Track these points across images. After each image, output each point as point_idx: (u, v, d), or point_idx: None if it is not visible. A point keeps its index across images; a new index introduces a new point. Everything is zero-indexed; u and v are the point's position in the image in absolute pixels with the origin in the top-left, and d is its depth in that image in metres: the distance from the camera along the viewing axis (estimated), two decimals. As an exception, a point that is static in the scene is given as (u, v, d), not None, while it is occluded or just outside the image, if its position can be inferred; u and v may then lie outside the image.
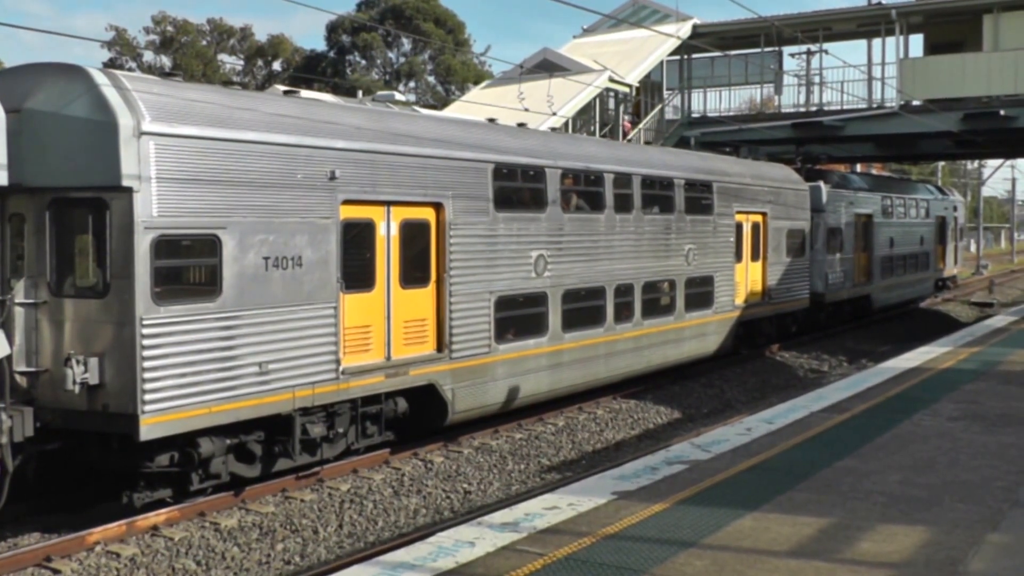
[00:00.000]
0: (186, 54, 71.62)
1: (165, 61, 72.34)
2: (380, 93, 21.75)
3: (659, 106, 38.79)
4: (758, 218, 27.11)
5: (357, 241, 14.95)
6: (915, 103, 34.30)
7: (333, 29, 74.08)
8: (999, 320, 29.81)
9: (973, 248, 79.29)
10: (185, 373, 12.40)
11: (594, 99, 34.44)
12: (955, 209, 47.97)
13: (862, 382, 17.90)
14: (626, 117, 36.68)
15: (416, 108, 20.77)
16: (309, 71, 67.23)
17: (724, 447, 12.64)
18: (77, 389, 11.97)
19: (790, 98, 39.90)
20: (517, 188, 18.39)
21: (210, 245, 12.78)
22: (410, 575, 8.04)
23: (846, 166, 51.40)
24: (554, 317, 18.99)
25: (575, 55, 37.00)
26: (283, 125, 13.76)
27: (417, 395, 16.24)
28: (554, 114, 29.84)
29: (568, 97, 32.38)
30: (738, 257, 25.98)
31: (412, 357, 15.90)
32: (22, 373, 12.45)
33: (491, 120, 19.51)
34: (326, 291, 14.26)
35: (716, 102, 40.09)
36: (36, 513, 13.28)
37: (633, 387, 22.49)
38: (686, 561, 8.35)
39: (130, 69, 60.45)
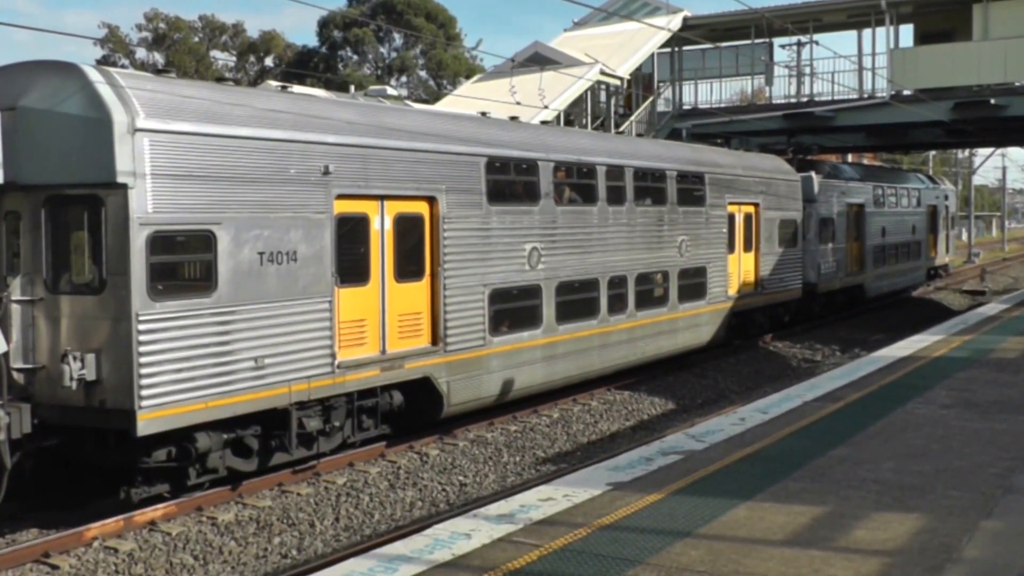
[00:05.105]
0: (178, 51, 71.46)
1: (158, 58, 72.20)
2: (372, 88, 21.76)
3: (650, 98, 38.80)
4: (750, 209, 27.17)
5: (351, 235, 14.98)
6: (906, 93, 34.37)
7: (325, 25, 73.94)
8: (991, 308, 29.89)
9: (965, 236, 79.41)
10: (181, 368, 12.44)
11: (585, 92, 34.46)
12: (946, 198, 48.09)
13: (855, 371, 17.97)
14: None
15: (408, 103, 20.78)
16: (301, 67, 67.02)
17: (718, 437, 12.70)
18: (74, 385, 12.00)
19: (781, 89, 40.06)
20: (510, 181, 18.42)
21: (205, 241, 12.81)
22: (407, 568, 8.06)
23: (837, 156, 51.49)
24: (548, 309, 19.04)
25: (566, 48, 36.98)
26: (276, 121, 13.78)
27: (412, 388, 16.29)
28: (546, 107, 29.86)
29: (560, 90, 32.40)
30: (731, 248, 26.04)
31: (407, 350, 15.95)
32: (19, 370, 12.46)
33: (483, 114, 19.54)
34: (321, 285, 14.29)
35: (707, 94, 40.18)
36: (34, 510, 13.30)
37: (627, 378, 22.56)
38: (681, 551, 8.40)
39: (123, 66, 60.25)
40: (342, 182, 14.60)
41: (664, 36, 36.67)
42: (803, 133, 39.14)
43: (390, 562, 8.22)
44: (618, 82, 36.11)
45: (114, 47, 71.52)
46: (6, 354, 12.06)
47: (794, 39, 39.60)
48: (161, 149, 12.23)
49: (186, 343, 12.50)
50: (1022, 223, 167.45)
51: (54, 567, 11.62)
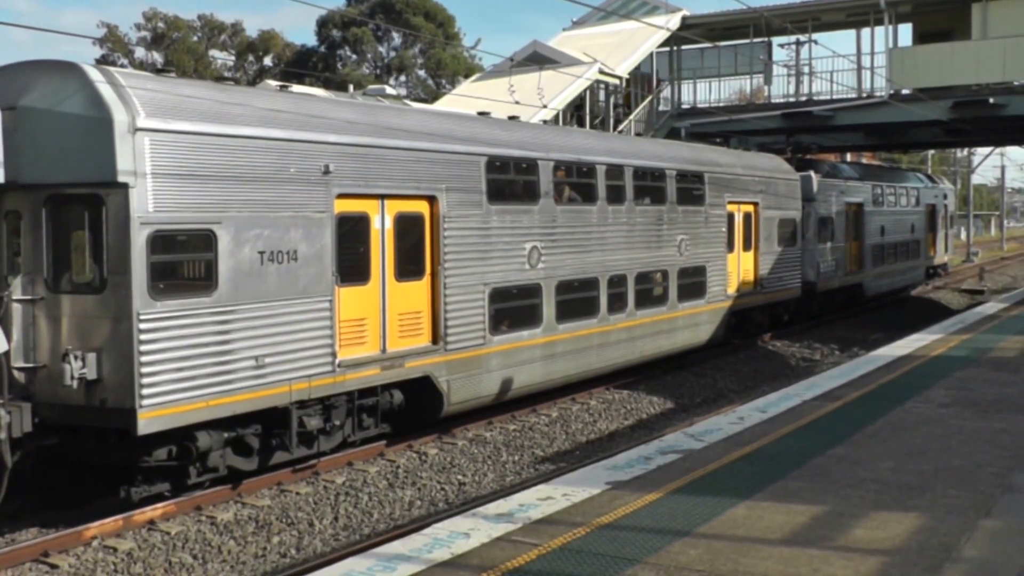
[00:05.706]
0: (177, 50, 71.45)
1: (157, 57, 72.20)
2: (371, 87, 21.79)
3: (649, 98, 38.82)
4: (749, 208, 27.18)
5: (352, 235, 14.99)
6: (904, 92, 34.39)
7: (323, 24, 74.00)
8: (990, 307, 29.90)
9: (963, 235, 79.45)
10: (182, 367, 12.45)
11: (584, 91, 34.50)
12: (945, 197, 48.11)
13: (854, 370, 17.98)
14: None
15: (407, 102, 20.80)
16: (300, 66, 67.04)
17: (717, 436, 12.71)
18: (75, 384, 12.02)
19: (780, 88, 40.08)
20: (510, 180, 18.44)
21: (205, 240, 12.83)
22: (406, 567, 8.07)
23: (836, 156, 51.50)
24: (548, 308, 19.06)
25: (565, 47, 37.04)
26: (276, 120, 13.79)
27: (413, 387, 16.31)
28: (545, 107, 29.89)
29: (558, 89, 32.44)
30: (730, 247, 26.05)
31: (407, 349, 15.96)
32: (20, 369, 12.47)
33: (483, 113, 19.56)
34: (321, 285, 14.31)
35: (706, 93, 40.21)
36: (34, 509, 13.32)
37: (626, 377, 22.57)
38: (680, 550, 8.41)
39: (122, 66, 60.24)
40: (342, 181, 14.61)
41: (663, 35, 36.69)
42: (802, 132, 39.16)
43: (389, 561, 8.23)
44: (617, 81, 36.14)
45: (113, 46, 71.54)
46: (7, 353, 12.07)
47: (793, 38, 39.64)
48: (162, 148, 12.24)
49: (187, 342, 12.52)
50: (1021, 222, 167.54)
51: (53, 566, 11.63)
